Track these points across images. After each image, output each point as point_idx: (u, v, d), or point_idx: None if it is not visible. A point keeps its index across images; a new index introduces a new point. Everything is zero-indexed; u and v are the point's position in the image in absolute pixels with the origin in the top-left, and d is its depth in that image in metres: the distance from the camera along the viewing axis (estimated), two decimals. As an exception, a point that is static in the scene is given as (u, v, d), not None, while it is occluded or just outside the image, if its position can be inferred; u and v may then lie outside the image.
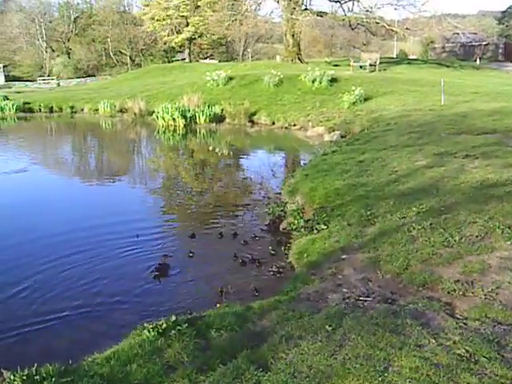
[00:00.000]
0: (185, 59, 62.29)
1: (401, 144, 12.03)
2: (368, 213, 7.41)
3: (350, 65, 35.62)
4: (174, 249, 8.40)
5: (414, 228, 6.66)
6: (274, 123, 24.33)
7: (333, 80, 27.52)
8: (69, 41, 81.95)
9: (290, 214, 8.90)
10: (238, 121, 25.13)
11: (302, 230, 7.63)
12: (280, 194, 11.14)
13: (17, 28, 78.21)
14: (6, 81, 64.79)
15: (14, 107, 34.89)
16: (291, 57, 40.58)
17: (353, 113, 21.65)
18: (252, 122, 25.13)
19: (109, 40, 77.11)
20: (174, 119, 25.29)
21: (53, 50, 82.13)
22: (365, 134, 15.62)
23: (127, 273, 7.47)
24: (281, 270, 7.22)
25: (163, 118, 25.56)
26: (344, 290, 5.62)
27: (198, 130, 24.36)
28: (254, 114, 25.45)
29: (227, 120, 25.67)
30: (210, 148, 20.56)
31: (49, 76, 69.75)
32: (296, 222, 8.59)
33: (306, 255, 6.58)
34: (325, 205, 8.25)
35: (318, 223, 7.44)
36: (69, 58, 79.33)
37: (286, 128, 23.43)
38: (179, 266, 7.65)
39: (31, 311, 6.37)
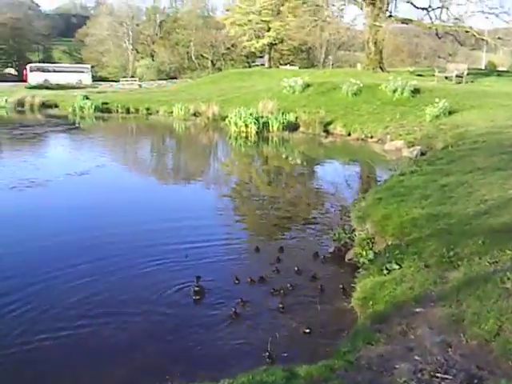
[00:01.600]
0: (264, 64, 61.78)
1: (491, 166, 10.56)
2: (451, 253, 6.15)
3: (434, 75, 33.65)
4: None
5: (508, 278, 5.38)
6: (349, 134, 23.07)
7: (415, 91, 25.86)
8: (153, 44, 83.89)
9: (358, 244, 7.78)
10: (312, 130, 24.05)
11: (371, 266, 6.49)
12: (349, 214, 10.07)
13: (106, 31, 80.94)
14: (93, 81, 66.81)
15: (93, 107, 35.53)
16: (372, 65, 38.95)
17: (435, 127, 20.03)
18: (327, 131, 23.97)
19: (191, 44, 78.22)
20: (246, 125, 24.57)
21: (138, 52, 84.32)
22: (449, 152, 14.12)
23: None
24: (340, 314, 6.17)
25: (235, 124, 24.90)
26: (416, 357, 4.47)
27: (270, 138, 23.51)
28: (329, 123, 24.29)
29: (301, 129, 24.65)
30: (282, 157, 19.67)
31: (132, 77, 71.34)
32: (364, 253, 7.48)
33: (371, 303, 5.45)
34: (399, 237, 7.05)
35: (390, 261, 6.27)
36: (152, 60, 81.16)
37: (362, 140, 22.13)
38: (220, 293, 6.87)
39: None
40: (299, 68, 60.52)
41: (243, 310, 6.46)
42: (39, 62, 76.62)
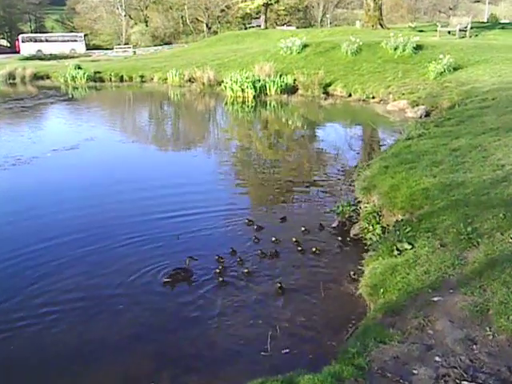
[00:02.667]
0: (260, 26, 60.07)
1: (504, 127, 9.79)
2: (468, 228, 5.46)
3: (436, 30, 32.42)
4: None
5: (537, 258, 4.74)
6: (350, 95, 22.16)
7: (417, 47, 24.79)
8: (146, 9, 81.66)
9: (364, 218, 7.10)
10: (311, 92, 23.13)
11: (379, 246, 5.82)
12: (353, 182, 9.39)
13: (97, -3, 78.71)
14: (87, 49, 65.38)
15: (86, 76, 34.48)
16: (372, 22, 37.61)
17: (440, 84, 19.14)
18: (327, 93, 23.06)
19: (185, 7, 76.05)
20: (242, 90, 23.67)
21: (131, 18, 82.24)
22: (456, 111, 13.30)
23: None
24: (346, 302, 5.55)
25: (231, 89, 24.01)
26: (437, 358, 3.85)
27: (268, 102, 22.62)
28: (329, 84, 23.36)
29: (300, 91, 23.73)
30: (281, 121, 18.86)
31: (126, 44, 69.74)
32: (371, 228, 6.83)
33: (382, 291, 4.81)
34: (409, 211, 6.36)
35: (401, 240, 5.59)
36: (146, 26, 79.22)
37: (363, 101, 21.23)
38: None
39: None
40: (296, 28, 58.82)
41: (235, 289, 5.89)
42: (32, 33, 75.08)
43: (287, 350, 4.83)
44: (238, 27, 74.19)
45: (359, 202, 7.61)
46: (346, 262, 6.55)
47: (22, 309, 5.75)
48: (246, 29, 68.18)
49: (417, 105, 17.55)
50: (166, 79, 31.40)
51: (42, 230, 8.13)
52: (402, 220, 6.11)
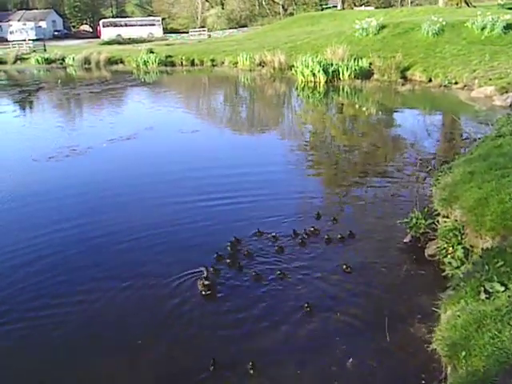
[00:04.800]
0: (336, 7, 57.94)
1: None
2: None
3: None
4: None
5: None
6: (430, 80, 20.45)
7: (507, 27, 22.59)
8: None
9: (443, 236, 5.86)
10: (387, 77, 21.59)
11: (461, 283, 4.59)
12: (430, 182, 8.11)
13: (175, -21, 79.04)
14: (164, 33, 65.86)
15: (157, 61, 34.29)
16: (456, 0, 35.04)
17: (535, 68, 17.17)
18: (404, 78, 21.44)
19: (262, -12, 74.91)
20: (313, 74, 22.42)
21: (207, 1, 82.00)
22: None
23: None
24: (416, 353, 4.40)
25: (302, 74, 22.81)
26: None
27: (340, 88, 21.30)
28: (407, 68, 21.71)
29: (375, 76, 22.22)
30: (353, 109, 17.53)
31: (202, 28, 69.55)
32: (450, 249, 5.61)
33: (464, 354, 3.61)
34: (502, 235, 5.07)
35: (490, 278, 4.28)
36: (222, 8, 78.70)
37: (444, 86, 19.49)
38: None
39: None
40: (375, 8, 56.28)
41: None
42: (113, 18, 76.60)
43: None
44: (314, 8, 72.19)
45: (437, 214, 6.35)
46: (418, 292, 5.38)
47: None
48: (322, 10, 66.17)
49: (506, 91, 15.80)
50: (237, 63, 30.59)
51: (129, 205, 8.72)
52: (491, 248, 4.84)
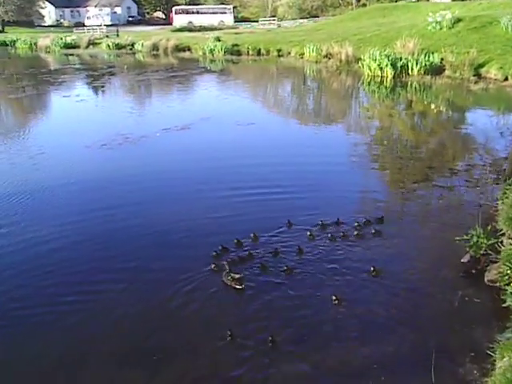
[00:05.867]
0: (412, -2, 55.87)
1: None
2: None
3: None
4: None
5: None
6: (506, 79, 19.10)
7: None
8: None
9: (507, 260, 5.18)
10: (459, 74, 20.37)
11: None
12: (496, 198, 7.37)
13: (248, -32, 78.80)
14: (235, 21, 65.93)
15: (223, 49, 34.10)
16: (542, -7, 32.82)
17: None
18: (478, 75, 20.15)
19: (335, -22, 73.45)
20: (381, 69, 21.49)
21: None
22: None
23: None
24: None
25: (369, 67, 21.93)
26: None
27: (408, 83, 20.30)
28: (481, 65, 20.40)
29: (446, 72, 21.04)
30: (419, 108, 16.58)
31: (273, 17, 69.02)
32: (513, 277, 4.94)
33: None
34: None
35: None
36: (295, -2, 77.79)
37: (523, 86, 18.17)
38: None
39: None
40: (452, 0, 53.86)
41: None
42: (185, 5, 77.33)
43: None
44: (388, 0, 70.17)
45: (502, 234, 5.66)
46: (473, 325, 4.75)
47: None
48: (396, 1, 64.11)
49: None
50: (303, 54, 29.90)
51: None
52: None
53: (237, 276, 5.62)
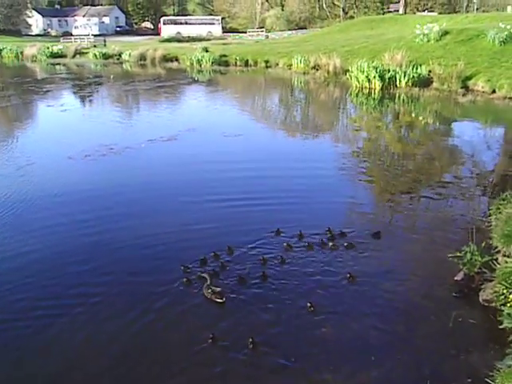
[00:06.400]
0: (398, 11, 56.30)
1: None
2: None
3: None
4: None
5: None
6: (494, 91, 19.11)
7: None
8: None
9: (502, 279, 4.99)
10: (447, 86, 20.38)
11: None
12: (488, 212, 7.19)
13: (237, -21, 79.05)
14: (223, 32, 65.99)
15: (211, 60, 33.94)
16: (528, 7, 33.19)
17: None
18: (465, 88, 20.15)
19: (324, -10, 73.95)
20: (369, 80, 21.45)
21: (267, 2, 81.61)
22: None
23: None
24: None
25: (357, 79, 21.87)
26: None
27: (396, 95, 20.24)
28: (469, 78, 20.41)
29: (434, 84, 21.05)
30: (407, 120, 16.48)
31: (260, 28, 69.25)
32: (511, 297, 4.74)
33: None
34: None
35: None
36: (282, 10, 78.14)
37: (510, 98, 18.16)
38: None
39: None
40: (438, 14, 54.30)
41: None
42: (174, 15, 77.39)
43: None
44: (375, 12, 70.64)
45: (497, 251, 5.47)
46: (469, 348, 4.53)
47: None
48: (383, 14, 64.58)
49: None
50: (291, 65, 29.86)
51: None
52: None
53: (217, 289, 5.46)
